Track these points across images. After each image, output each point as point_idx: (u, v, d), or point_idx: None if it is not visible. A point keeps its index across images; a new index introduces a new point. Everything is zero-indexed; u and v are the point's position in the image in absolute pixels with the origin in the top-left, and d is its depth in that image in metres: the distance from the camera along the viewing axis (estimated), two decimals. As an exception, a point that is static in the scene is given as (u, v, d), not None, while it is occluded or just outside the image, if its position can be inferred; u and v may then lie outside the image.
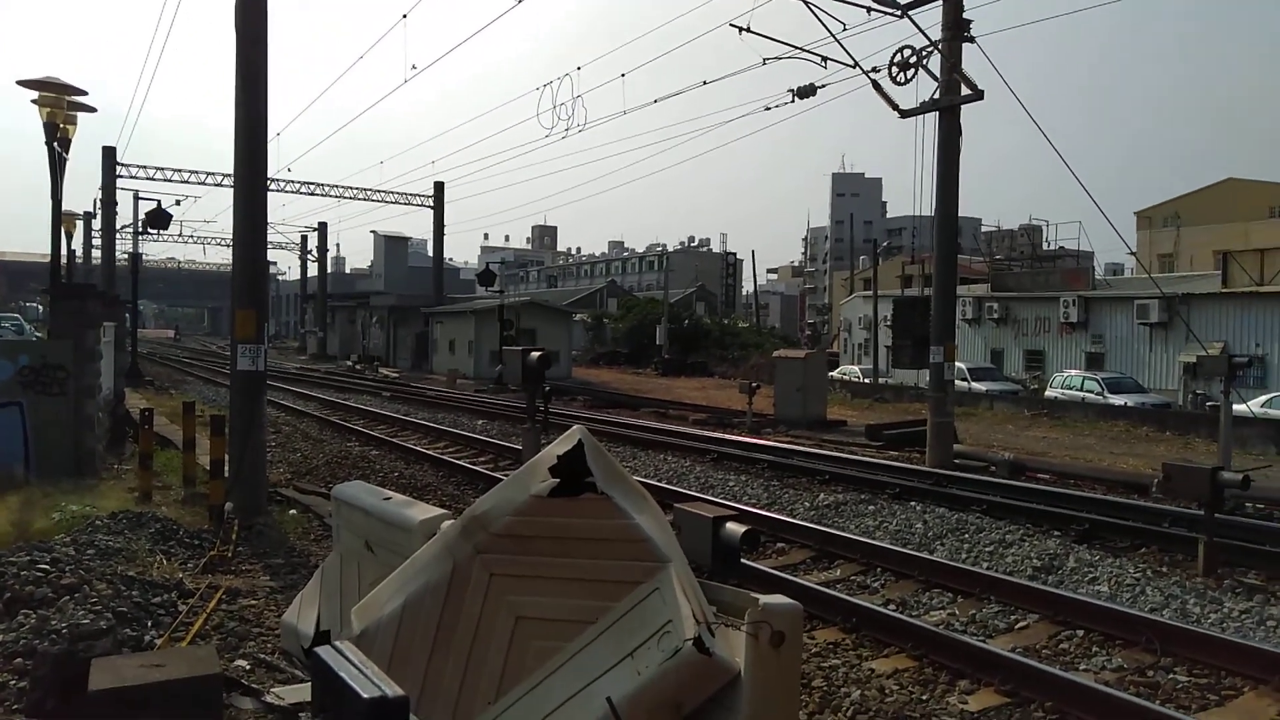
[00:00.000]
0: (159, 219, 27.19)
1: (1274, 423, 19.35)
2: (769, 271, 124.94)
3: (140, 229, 33.90)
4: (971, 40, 15.07)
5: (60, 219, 14.45)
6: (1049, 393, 29.03)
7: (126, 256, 40.24)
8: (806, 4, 15.00)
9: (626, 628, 3.15)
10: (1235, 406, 13.90)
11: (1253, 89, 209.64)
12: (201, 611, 6.22)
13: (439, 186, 51.45)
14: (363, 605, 3.65)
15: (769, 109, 18.06)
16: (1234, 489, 8.36)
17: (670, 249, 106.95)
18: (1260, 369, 27.49)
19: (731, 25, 15.90)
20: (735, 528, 4.04)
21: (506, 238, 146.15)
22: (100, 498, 9.67)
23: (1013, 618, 7.12)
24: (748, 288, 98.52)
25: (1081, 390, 27.63)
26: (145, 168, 42.78)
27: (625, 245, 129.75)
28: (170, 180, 43.91)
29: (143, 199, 34.95)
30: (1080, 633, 6.73)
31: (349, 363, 51.77)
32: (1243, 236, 42.28)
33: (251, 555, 8.17)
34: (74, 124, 12.33)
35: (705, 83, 18.75)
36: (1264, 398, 22.59)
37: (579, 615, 3.27)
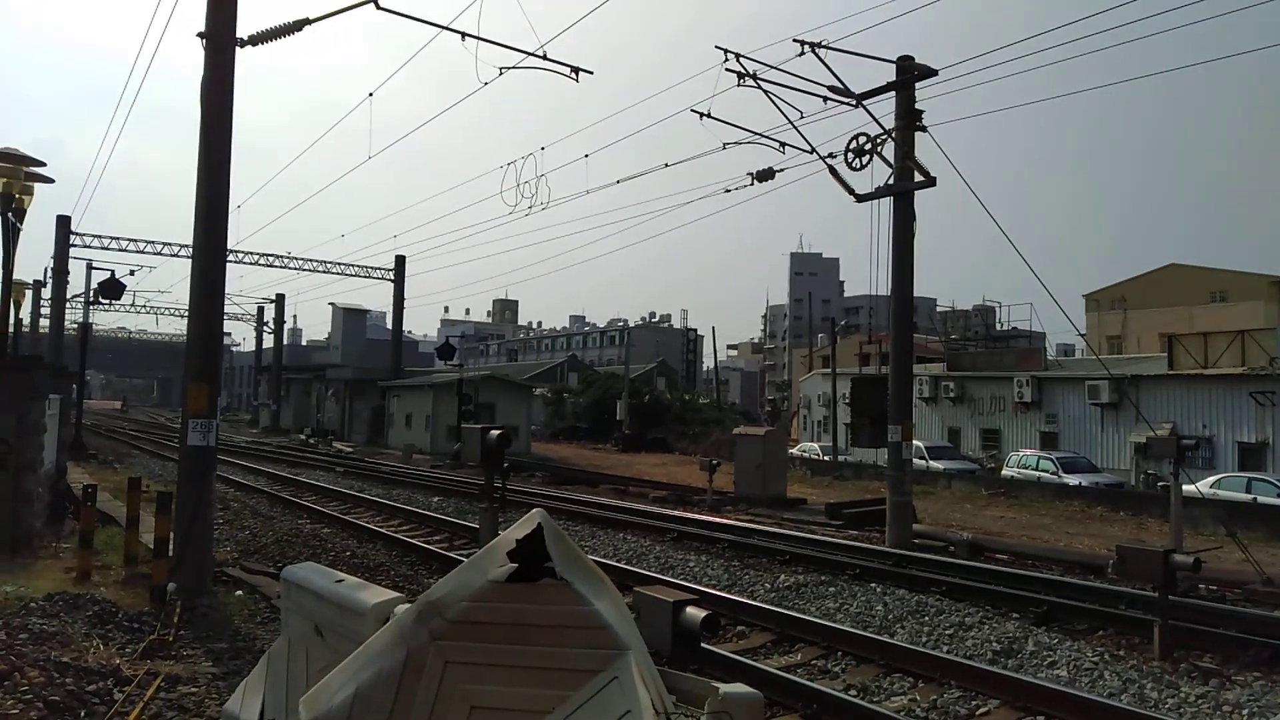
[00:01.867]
0: (112, 289, 26.90)
1: (1223, 503, 19.69)
2: (729, 348, 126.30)
3: (92, 299, 33.35)
4: (924, 129, 15.63)
5: (10, 290, 14.18)
6: (1005, 471, 29.38)
7: (76, 326, 39.45)
8: (766, 94, 15.54)
9: (584, 718, 3.07)
10: (1185, 488, 14.16)
11: (1200, 179, 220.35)
12: (138, 700, 5.94)
13: (400, 260, 51.64)
14: (311, 695, 3.52)
15: (729, 191, 18.50)
16: (1186, 571, 8.47)
17: (631, 324, 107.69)
18: (1208, 450, 28.12)
19: (693, 111, 16.38)
20: (695, 612, 3.99)
21: (467, 311, 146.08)
22: (36, 578, 9.31)
23: (974, 703, 7.05)
24: (708, 363, 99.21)
25: (1037, 470, 28.01)
26: (100, 237, 42.34)
27: (587, 320, 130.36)
28: (125, 250, 43.37)
29: (96, 268, 34.43)
30: (1041, 719, 6.68)
31: (302, 436, 50.85)
32: (1187, 320, 43.72)
33: (194, 639, 7.85)
34: (30, 194, 12.19)
35: (667, 165, 19.22)
36: (1213, 478, 23.04)
37: (535, 705, 3.18)
